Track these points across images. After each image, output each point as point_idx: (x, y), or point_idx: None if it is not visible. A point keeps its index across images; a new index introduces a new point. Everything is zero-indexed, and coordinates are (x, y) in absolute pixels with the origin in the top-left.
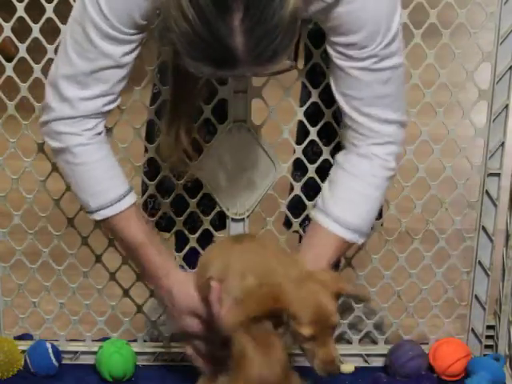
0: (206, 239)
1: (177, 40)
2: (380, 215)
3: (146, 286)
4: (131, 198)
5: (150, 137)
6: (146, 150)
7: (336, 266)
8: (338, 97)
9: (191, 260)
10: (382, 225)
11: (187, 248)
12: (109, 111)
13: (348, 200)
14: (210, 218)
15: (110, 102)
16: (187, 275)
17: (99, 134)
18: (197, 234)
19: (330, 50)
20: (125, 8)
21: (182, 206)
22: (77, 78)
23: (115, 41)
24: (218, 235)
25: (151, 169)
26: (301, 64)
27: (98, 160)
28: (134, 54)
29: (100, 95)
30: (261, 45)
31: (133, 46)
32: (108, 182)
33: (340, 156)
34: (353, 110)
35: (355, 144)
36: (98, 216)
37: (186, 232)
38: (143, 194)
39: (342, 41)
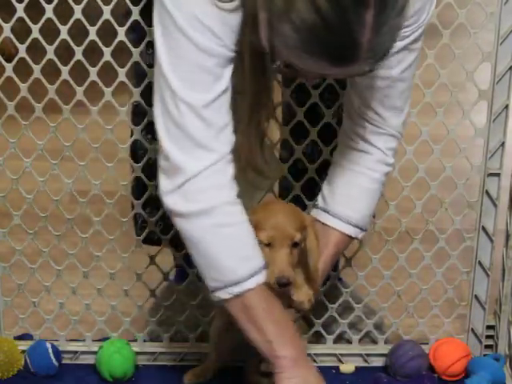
0: None
1: (292, 32)
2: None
3: (145, 286)
4: (264, 275)
5: (135, 156)
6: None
7: (335, 265)
8: (357, 78)
9: (191, 260)
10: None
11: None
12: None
13: (347, 195)
14: None
15: (231, 134)
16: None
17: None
18: None
19: None
20: (224, 22)
21: None
22: (200, 116)
23: (225, 59)
24: None
25: (139, 186)
26: None
27: (245, 220)
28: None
29: (225, 127)
30: (382, 43)
31: (232, 62)
32: (255, 246)
33: (337, 154)
34: (369, 90)
35: (357, 136)
36: (250, 284)
37: None
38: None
39: None
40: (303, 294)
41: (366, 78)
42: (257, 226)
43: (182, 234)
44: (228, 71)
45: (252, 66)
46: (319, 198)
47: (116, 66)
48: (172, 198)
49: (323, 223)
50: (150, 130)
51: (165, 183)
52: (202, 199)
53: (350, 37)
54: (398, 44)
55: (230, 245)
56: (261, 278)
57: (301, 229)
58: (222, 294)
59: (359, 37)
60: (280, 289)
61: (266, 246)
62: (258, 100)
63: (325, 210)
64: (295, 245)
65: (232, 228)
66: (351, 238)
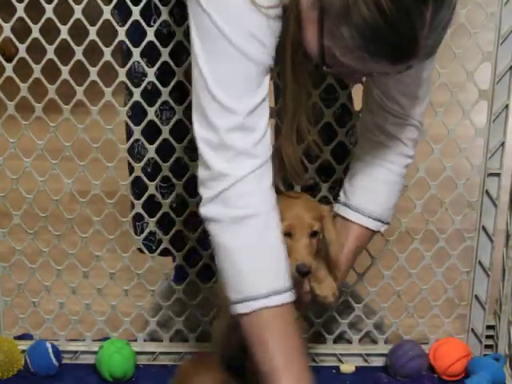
0: (206, 239)
1: (355, 34)
2: None
3: (145, 286)
4: (285, 297)
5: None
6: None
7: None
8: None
9: (191, 260)
10: None
11: (187, 248)
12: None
13: (367, 188)
14: None
15: (269, 140)
16: None
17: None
18: (196, 234)
19: None
20: (270, 33)
21: (180, 206)
22: (241, 123)
23: (266, 68)
24: None
25: (139, 188)
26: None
27: (279, 235)
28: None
29: (264, 134)
30: (437, 39)
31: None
32: (285, 267)
33: (357, 148)
34: (391, 79)
35: (377, 128)
36: (269, 302)
37: (186, 232)
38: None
39: None
40: (327, 288)
41: None
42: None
43: (215, 241)
44: (268, 77)
45: (293, 69)
46: (341, 192)
47: (116, 66)
48: (211, 204)
49: (344, 217)
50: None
51: (205, 192)
52: (243, 205)
53: (412, 35)
54: None
55: (260, 258)
56: (282, 299)
57: (319, 219)
58: (240, 308)
59: (421, 34)
60: (301, 278)
61: (286, 235)
62: (298, 103)
63: (345, 205)
64: (314, 234)
65: (267, 241)
66: (373, 232)
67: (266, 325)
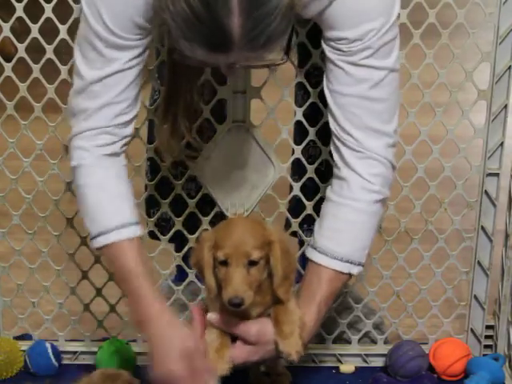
0: None
1: (171, 21)
2: None
3: None
4: (132, 231)
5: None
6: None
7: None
8: (327, 95)
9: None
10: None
11: (186, 248)
12: (125, 125)
13: (332, 229)
14: (209, 218)
15: (121, 113)
16: (176, 319)
17: (111, 155)
18: (196, 235)
19: (323, 44)
20: (125, 14)
21: (181, 206)
22: (87, 89)
23: (120, 48)
24: None
25: (152, 171)
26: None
27: (100, 185)
28: (139, 59)
29: (108, 103)
30: (257, 28)
31: (138, 50)
32: (111, 209)
33: (328, 188)
34: (338, 109)
35: (337, 161)
36: (96, 243)
37: (186, 232)
38: (146, 198)
39: (333, 35)
40: (291, 345)
41: (335, 95)
42: (216, 244)
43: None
44: (123, 56)
45: (170, 63)
46: (312, 235)
47: None
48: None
49: (313, 261)
50: None
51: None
52: (73, 157)
53: (219, 22)
54: (340, 58)
55: (85, 205)
56: (103, 240)
57: (262, 246)
58: (94, 243)
59: (228, 22)
60: (233, 308)
61: (224, 264)
62: (174, 94)
63: (313, 247)
64: (253, 263)
65: (88, 189)
66: (346, 275)
67: (120, 249)
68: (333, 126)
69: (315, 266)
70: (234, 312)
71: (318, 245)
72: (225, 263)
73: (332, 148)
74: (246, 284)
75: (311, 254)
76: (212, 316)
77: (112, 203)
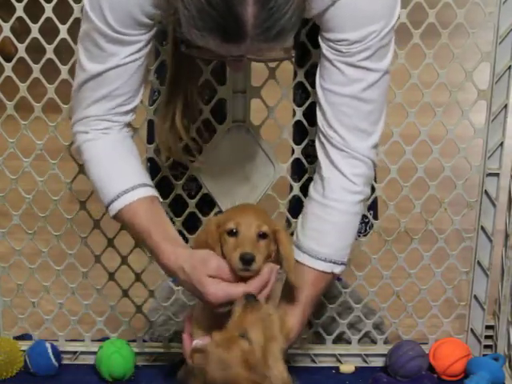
0: None
1: (184, 9)
2: (375, 217)
3: (145, 286)
4: (139, 192)
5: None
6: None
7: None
8: (318, 92)
9: None
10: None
11: None
12: (125, 114)
13: (316, 229)
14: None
15: (121, 104)
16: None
17: (108, 133)
18: (195, 235)
19: (320, 42)
20: (126, 11)
21: (181, 206)
22: (89, 82)
23: (121, 43)
24: None
25: (152, 171)
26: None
27: (103, 155)
28: (141, 53)
29: (109, 95)
30: (271, 18)
31: (139, 45)
32: (114, 176)
33: (310, 187)
34: (328, 107)
35: (321, 158)
36: (110, 213)
37: (185, 233)
38: None
39: (333, 36)
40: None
41: (327, 93)
42: (226, 219)
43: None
44: (124, 51)
45: (171, 62)
46: (294, 235)
47: None
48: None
49: (297, 260)
50: None
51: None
52: (75, 140)
53: (233, 11)
54: (338, 58)
55: (92, 179)
56: (116, 206)
57: (270, 225)
58: (110, 214)
59: (242, 11)
60: (243, 267)
61: (233, 235)
62: (174, 94)
63: (297, 246)
64: (263, 235)
65: (90, 162)
66: (329, 274)
67: (131, 212)
68: (321, 123)
69: (299, 266)
70: (224, 315)
71: (301, 244)
72: (234, 234)
73: (317, 145)
74: (256, 249)
75: (296, 254)
76: (198, 342)
77: (113, 170)
